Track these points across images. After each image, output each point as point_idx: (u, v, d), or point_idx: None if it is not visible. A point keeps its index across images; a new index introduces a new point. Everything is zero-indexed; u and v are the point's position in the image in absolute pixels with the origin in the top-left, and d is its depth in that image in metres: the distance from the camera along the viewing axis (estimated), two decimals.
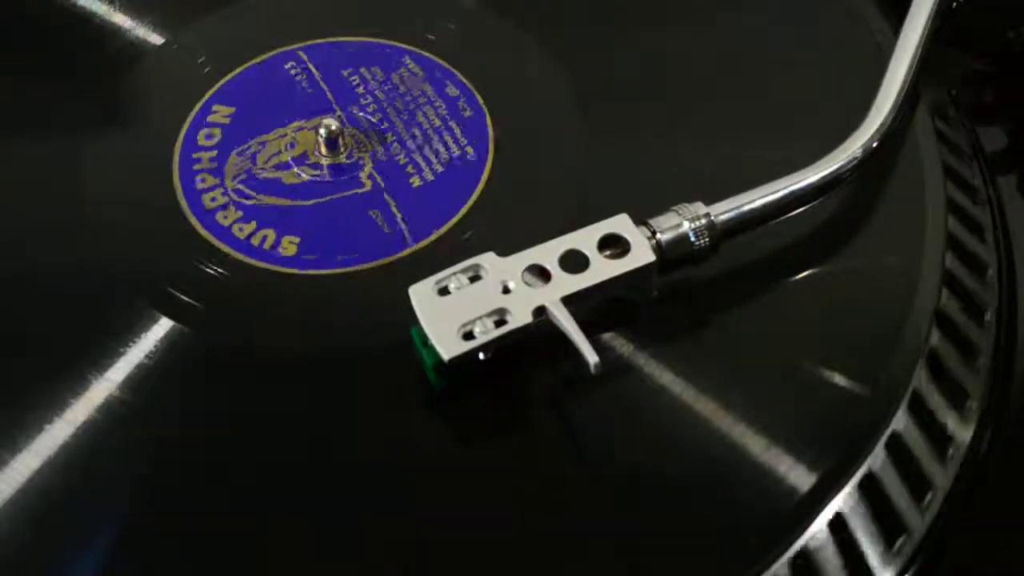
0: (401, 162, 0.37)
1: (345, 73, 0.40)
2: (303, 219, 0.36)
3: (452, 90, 0.39)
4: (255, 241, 0.35)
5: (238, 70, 0.40)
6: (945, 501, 0.32)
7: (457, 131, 0.38)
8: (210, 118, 0.39)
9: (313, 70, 0.40)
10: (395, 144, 0.38)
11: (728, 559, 0.29)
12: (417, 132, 0.38)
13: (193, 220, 0.36)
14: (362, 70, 0.40)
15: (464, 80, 0.39)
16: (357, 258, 0.35)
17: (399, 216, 0.36)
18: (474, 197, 0.36)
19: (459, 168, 0.37)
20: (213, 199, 0.36)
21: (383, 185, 0.37)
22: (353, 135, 0.38)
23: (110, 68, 0.40)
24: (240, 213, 0.36)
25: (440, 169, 0.37)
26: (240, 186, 0.36)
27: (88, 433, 0.31)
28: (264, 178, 0.37)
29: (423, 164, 0.37)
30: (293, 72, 0.40)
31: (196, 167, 0.37)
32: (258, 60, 0.40)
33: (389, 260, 0.34)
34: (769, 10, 0.40)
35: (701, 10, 0.41)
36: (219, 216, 0.36)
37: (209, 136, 0.38)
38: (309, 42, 0.41)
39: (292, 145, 0.38)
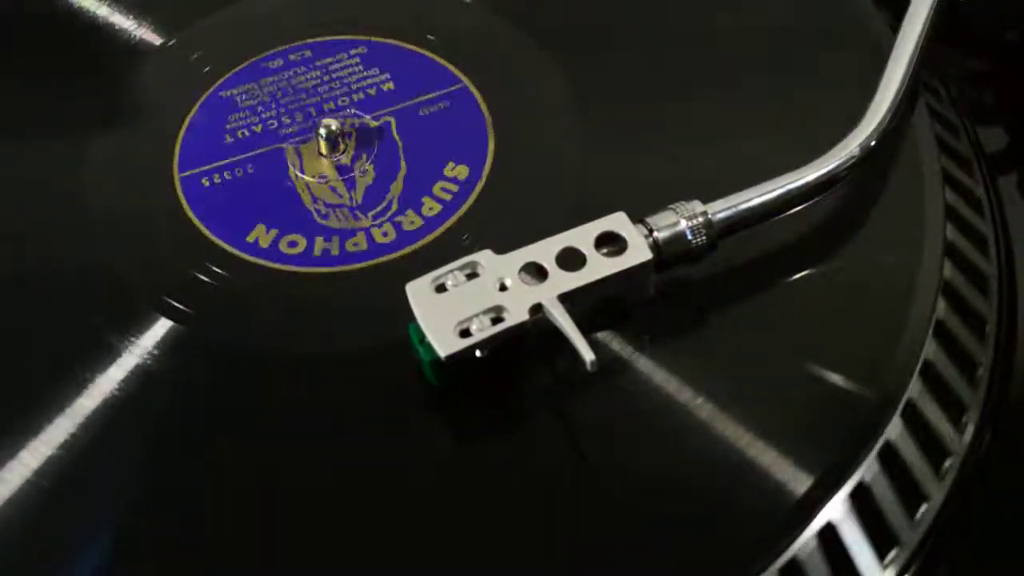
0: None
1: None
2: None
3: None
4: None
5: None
6: (938, 514, 0.31)
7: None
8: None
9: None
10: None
11: (717, 567, 0.28)
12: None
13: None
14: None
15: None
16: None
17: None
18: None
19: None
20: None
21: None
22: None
23: (110, 68, 0.40)
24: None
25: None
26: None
27: (88, 433, 0.31)
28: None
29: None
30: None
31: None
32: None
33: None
34: (768, 9, 0.40)
35: (700, 9, 0.41)
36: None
37: None
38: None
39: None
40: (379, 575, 0.29)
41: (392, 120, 0.38)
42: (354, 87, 0.39)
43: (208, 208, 0.36)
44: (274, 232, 0.35)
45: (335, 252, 0.35)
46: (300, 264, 0.35)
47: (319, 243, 0.35)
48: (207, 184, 0.37)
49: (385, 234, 0.35)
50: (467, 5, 0.41)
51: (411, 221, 0.36)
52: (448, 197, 0.36)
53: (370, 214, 0.36)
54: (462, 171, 0.37)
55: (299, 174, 0.37)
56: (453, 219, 0.35)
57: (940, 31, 0.38)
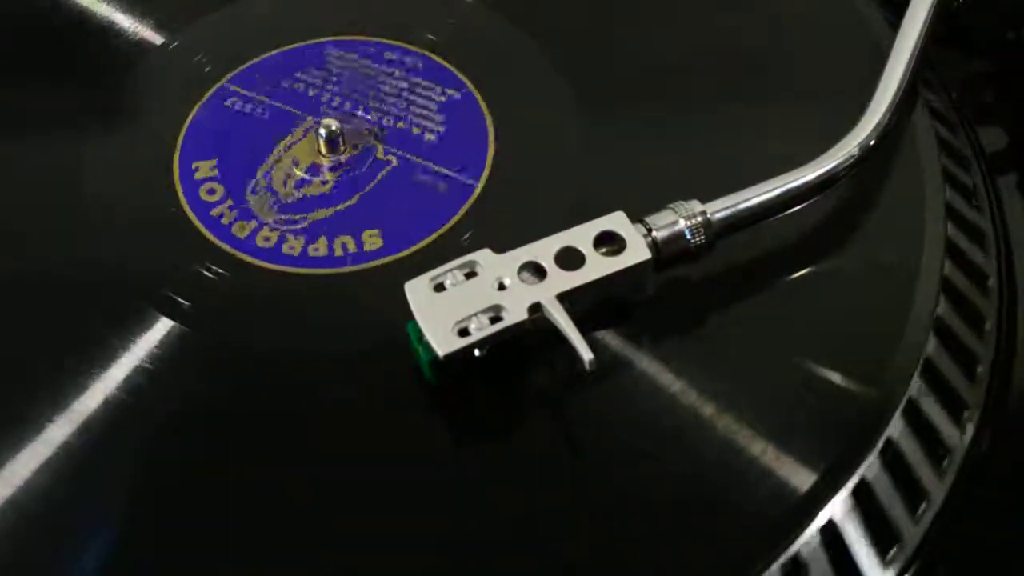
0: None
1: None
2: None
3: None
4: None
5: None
6: (940, 511, 0.31)
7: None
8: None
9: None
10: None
11: (719, 564, 0.28)
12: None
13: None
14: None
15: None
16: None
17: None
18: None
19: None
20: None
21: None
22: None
23: (110, 68, 0.40)
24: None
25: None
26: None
27: (88, 433, 0.31)
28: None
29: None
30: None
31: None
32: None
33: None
34: (768, 8, 0.40)
35: (700, 8, 0.41)
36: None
37: None
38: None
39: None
40: (379, 574, 0.29)
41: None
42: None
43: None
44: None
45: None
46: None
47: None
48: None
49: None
50: (467, 4, 0.41)
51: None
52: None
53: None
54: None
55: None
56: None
57: (940, 31, 0.38)
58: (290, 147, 0.38)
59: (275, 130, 0.38)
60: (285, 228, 0.36)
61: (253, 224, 0.36)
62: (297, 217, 0.36)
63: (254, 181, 0.37)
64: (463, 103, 0.39)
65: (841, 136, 0.34)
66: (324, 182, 0.37)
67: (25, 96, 0.40)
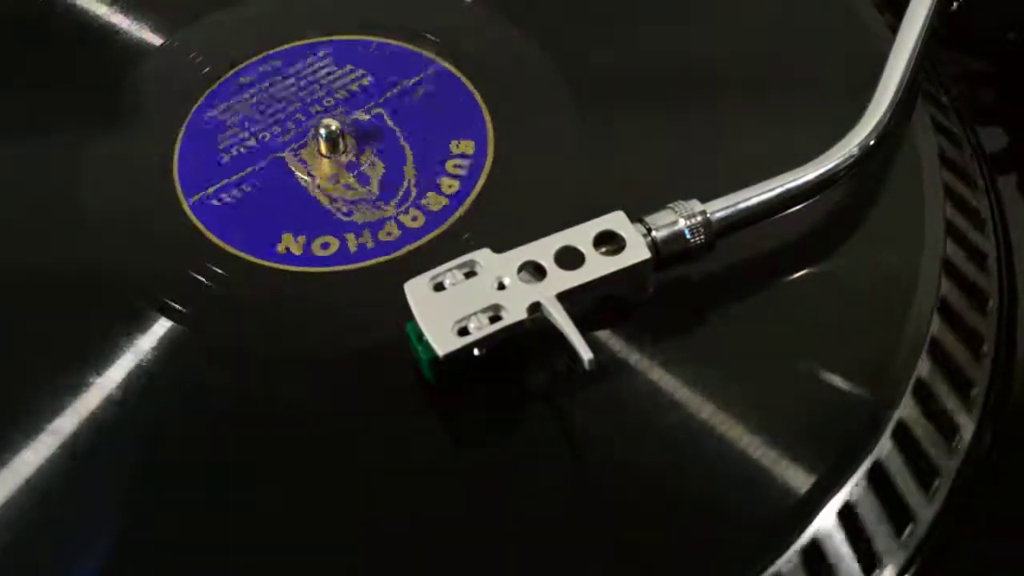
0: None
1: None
2: None
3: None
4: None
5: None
6: (951, 488, 0.32)
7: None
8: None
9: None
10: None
11: (740, 549, 0.29)
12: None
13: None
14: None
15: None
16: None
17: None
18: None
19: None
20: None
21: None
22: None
23: (110, 68, 0.40)
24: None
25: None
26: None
27: (88, 434, 0.31)
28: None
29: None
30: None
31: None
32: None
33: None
34: (767, 8, 0.40)
35: (700, 8, 0.41)
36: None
37: None
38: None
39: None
40: (378, 574, 0.29)
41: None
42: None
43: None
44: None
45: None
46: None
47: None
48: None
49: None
50: (467, 4, 0.41)
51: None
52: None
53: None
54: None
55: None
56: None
57: (940, 32, 0.38)
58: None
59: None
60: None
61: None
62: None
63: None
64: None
65: (841, 136, 0.34)
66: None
67: (25, 96, 0.40)
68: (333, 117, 0.38)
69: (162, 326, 0.33)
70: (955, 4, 0.41)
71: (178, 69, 0.40)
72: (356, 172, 0.37)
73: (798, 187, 0.33)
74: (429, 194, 0.36)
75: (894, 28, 0.37)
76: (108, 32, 0.42)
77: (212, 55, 0.40)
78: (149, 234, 0.36)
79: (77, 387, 0.32)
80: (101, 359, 0.32)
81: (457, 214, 0.36)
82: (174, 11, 0.42)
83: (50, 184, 0.37)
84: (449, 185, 0.36)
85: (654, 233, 0.32)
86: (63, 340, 0.33)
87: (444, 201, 0.36)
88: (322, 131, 0.37)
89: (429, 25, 0.41)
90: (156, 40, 0.41)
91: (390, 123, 0.38)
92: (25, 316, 0.34)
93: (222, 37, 0.41)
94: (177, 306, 0.34)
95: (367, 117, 0.38)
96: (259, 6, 0.42)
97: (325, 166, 0.37)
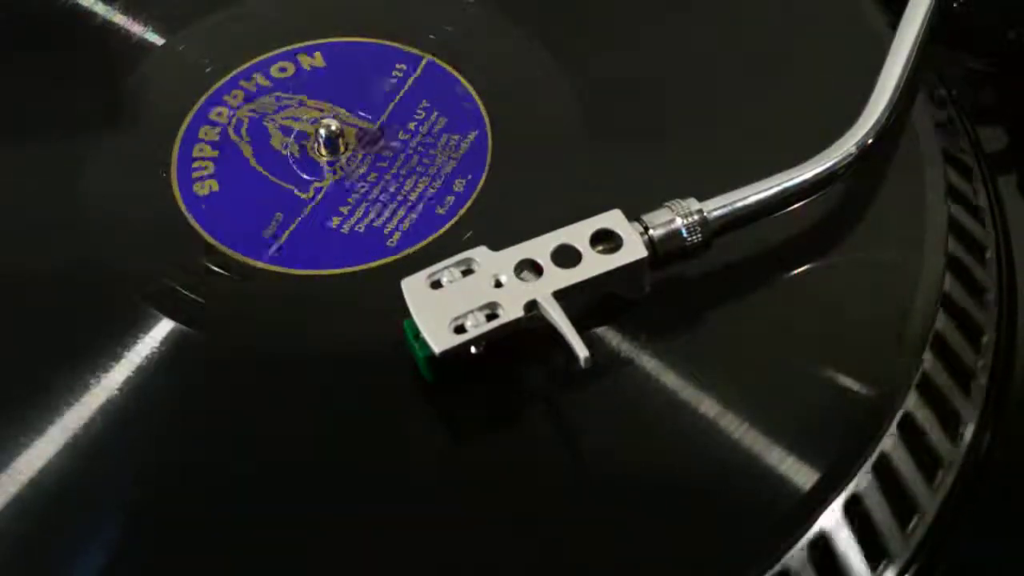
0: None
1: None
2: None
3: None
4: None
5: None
6: (956, 479, 0.32)
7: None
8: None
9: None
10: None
11: (748, 544, 0.29)
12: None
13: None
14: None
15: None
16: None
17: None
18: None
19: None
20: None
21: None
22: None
23: (110, 68, 0.41)
24: None
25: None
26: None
27: (89, 434, 0.31)
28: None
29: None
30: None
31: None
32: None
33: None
34: (767, 8, 0.40)
35: (699, 7, 0.41)
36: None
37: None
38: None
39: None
40: (378, 573, 0.29)
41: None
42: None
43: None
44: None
45: None
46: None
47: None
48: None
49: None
50: (467, 4, 0.41)
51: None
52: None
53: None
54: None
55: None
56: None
57: (939, 30, 0.38)
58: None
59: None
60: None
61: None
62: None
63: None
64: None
65: (839, 135, 0.34)
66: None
67: (25, 96, 0.40)
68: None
69: (162, 327, 0.33)
70: (955, 4, 0.41)
71: (178, 69, 0.40)
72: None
73: (796, 186, 0.33)
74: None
75: (895, 26, 0.37)
76: (108, 32, 0.42)
77: (212, 55, 0.40)
78: (149, 234, 0.36)
79: (77, 387, 0.32)
80: (101, 359, 0.32)
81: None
82: (174, 11, 0.42)
83: (50, 184, 0.37)
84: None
85: (651, 231, 0.32)
86: (63, 340, 0.33)
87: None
88: (322, 132, 0.37)
89: (428, 25, 0.41)
90: (156, 40, 0.41)
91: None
92: (25, 316, 0.34)
93: (223, 37, 0.41)
94: (177, 306, 0.34)
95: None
96: (259, 6, 0.42)
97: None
